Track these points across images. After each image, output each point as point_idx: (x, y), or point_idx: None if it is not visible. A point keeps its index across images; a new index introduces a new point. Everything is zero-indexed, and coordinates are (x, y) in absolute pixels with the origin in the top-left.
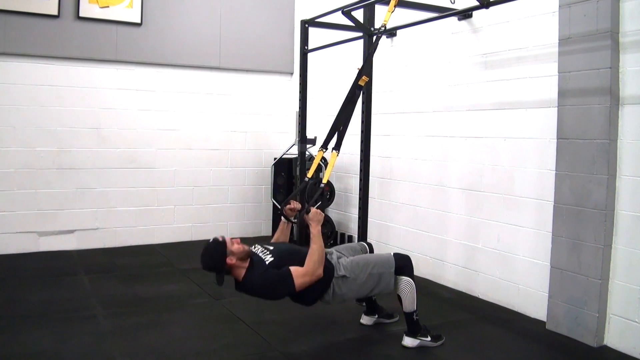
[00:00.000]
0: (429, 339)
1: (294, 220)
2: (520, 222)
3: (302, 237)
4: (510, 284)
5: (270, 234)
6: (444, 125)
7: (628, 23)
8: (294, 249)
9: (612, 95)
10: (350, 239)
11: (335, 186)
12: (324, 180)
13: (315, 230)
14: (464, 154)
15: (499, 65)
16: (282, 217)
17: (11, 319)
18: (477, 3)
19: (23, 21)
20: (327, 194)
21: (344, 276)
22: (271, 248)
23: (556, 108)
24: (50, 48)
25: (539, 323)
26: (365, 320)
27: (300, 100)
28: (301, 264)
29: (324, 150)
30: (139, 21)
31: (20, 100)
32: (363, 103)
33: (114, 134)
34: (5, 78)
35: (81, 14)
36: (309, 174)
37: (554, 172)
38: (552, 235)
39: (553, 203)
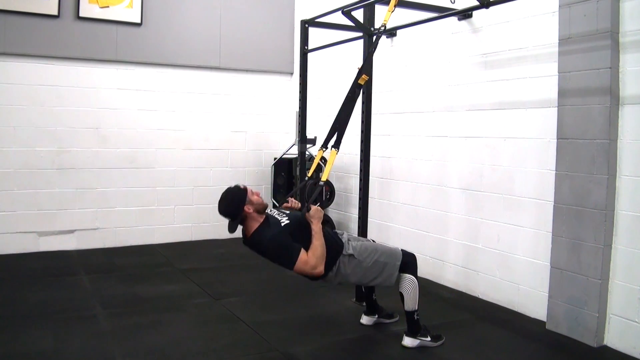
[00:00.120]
0: (429, 339)
1: None
2: (520, 222)
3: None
4: (510, 284)
5: None
6: (444, 125)
7: (628, 23)
8: (307, 223)
9: (612, 95)
10: None
11: (335, 186)
12: (323, 179)
13: (316, 227)
14: (464, 154)
15: (499, 65)
16: None
17: (11, 319)
18: (477, 3)
19: (23, 21)
20: (327, 194)
21: (351, 255)
22: (287, 212)
23: (556, 108)
24: (50, 48)
25: (539, 323)
26: (365, 320)
27: (300, 100)
28: (307, 243)
29: (324, 149)
30: (139, 21)
31: (20, 100)
32: (363, 103)
33: (114, 134)
34: (5, 78)
35: (81, 14)
36: (309, 174)
37: (554, 172)
38: (552, 235)
39: (553, 203)
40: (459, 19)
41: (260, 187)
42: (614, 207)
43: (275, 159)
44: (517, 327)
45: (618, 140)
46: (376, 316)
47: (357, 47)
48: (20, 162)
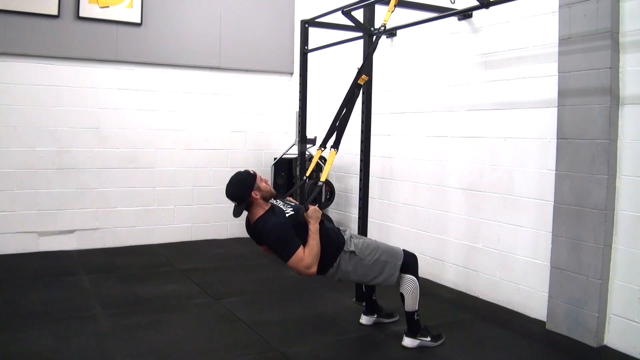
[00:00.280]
0: (429, 339)
1: None
2: (520, 222)
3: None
4: (510, 284)
5: None
6: (444, 125)
7: (628, 23)
8: (305, 222)
9: (612, 95)
10: None
11: (335, 186)
12: (322, 179)
13: (314, 228)
14: (464, 154)
15: (498, 65)
16: None
17: (11, 319)
18: (477, 3)
19: (23, 21)
20: (327, 194)
21: (352, 252)
22: (292, 204)
23: (556, 108)
24: (50, 48)
25: (539, 323)
26: (365, 320)
27: (300, 100)
28: (305, 241)
29: (323, 149)
30: (139, 21)
31: (20, 100)
32: (363, 103)
33: (114, 134)
34: (5, 78)
35: (81, 14)
36: (307, 173)
37: (554, 172)
38: (552, 235)
39: (553, 203)
40: (459, 19)
41: None
42: (614, 207)
43: (275, 159)
44: (517, 327)
45: (618, 140)
46: (375, 316)
47: (357, 47)
48: (20, 162)
